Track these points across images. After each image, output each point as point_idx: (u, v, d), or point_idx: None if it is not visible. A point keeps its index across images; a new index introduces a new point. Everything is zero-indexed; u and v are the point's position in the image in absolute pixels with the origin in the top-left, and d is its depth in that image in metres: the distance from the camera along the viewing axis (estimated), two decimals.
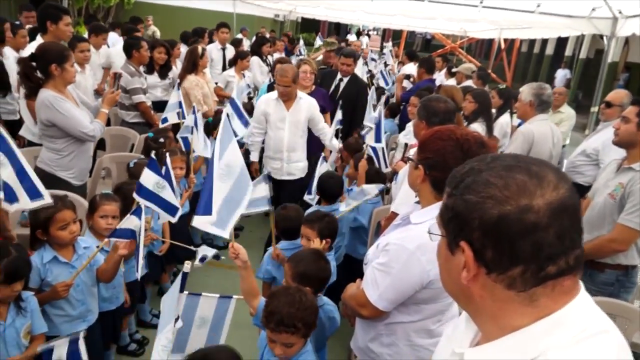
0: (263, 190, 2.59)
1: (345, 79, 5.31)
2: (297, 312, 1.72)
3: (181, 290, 1.37)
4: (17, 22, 5.48)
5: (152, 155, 2.58)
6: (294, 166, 4.18)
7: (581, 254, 0.79)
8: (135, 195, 2.35)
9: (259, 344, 2.03)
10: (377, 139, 3.87)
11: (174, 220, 2.58)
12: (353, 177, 3.78)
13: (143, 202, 2.31)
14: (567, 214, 0.77)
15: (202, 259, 2.51)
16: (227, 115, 4.18)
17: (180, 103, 3.97)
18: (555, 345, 0.77)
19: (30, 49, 3.53)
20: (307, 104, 4.12)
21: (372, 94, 6.03)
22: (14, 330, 1.93)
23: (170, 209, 2.54)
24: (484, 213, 0.78)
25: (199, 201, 1.85)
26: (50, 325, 2.19)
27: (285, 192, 4.08)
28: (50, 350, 1.88)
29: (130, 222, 2.20)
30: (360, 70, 7.27)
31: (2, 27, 4.09)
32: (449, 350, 0.99)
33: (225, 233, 1.89)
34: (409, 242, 1.58)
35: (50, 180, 3.03)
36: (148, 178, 2.43)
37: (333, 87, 5.29)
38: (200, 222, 1.81)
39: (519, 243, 0.76)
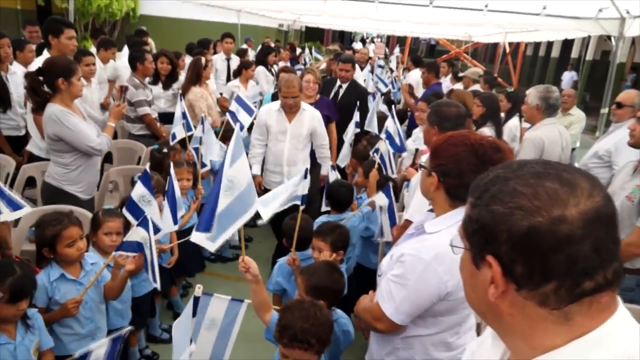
0: (302, 186, 2.45)
1: (345, 85, 5.19)
2: (312, 327, 1.67)
3: (194, 315, 1.33)
4: (23, 38, 5.54)
5: (147, 168, 2.55)
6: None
7: (620, 268, 0.73)
8: (124, 209, 2.32)
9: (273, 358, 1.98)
10: (399, 148, 4.01)
11: (158, 237, 2.49)
12: (362, 185, 3.73)
13: (128, 217, 2.28)
14: (602, 224, 0.71)
15: None
16: (234, 112, 4.23)
17: (184, 114, 3.97)
18: None
19: (37, 63, 3.53)
20: (310, 116, 3.92)
21: (377, 101, 6.00)
22: (25, 349, 1.89)
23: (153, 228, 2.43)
24: (513, 225, 0.72)
25: (200, 217, 1.80)
26: (59, 345, 2.15)
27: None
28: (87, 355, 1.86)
29: (136, 234, 2.16)
30: (365, 78, 7.23)
31: None
32: None
33: (213, 246, 1.80)
34: (424, 253, 1.53)
35: (59, 195, 3.04)
36: (137, 190, 2.42)
37: (332, 94, 5.18)
38: (198, 238, 1.75)
39: (551, 257, 0.70)
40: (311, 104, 4.25)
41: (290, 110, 3.82)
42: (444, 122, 2.51)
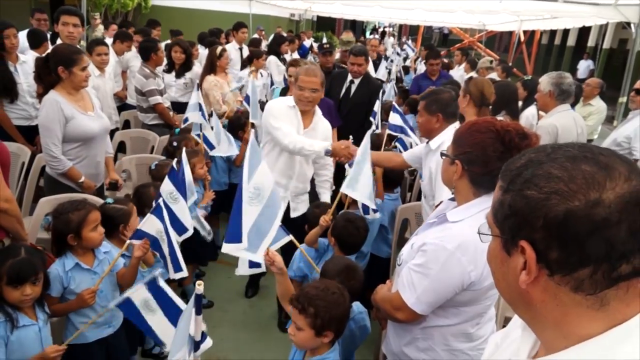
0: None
1: (357, 81, 4.56)
2: (316, 298, 1.68)
3: (197, 313, 1.29)
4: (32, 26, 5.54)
5: (174, 163, 2.54)
6: (300, 199, 3.26)
7: None
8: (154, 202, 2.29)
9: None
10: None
11: (179, 239, 2.45)
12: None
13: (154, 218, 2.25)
14: (639, 208, 0.69)
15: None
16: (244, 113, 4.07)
17: (199, 104, 3.94)
18: (630, 357, 0.68)
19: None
20: (323, 128, 3.16)
21: (390, 90, 5.86)
22: (47, 330, 1.92)
23: (178, 227, 2.42)
24: (549, 210, 0.69)
25: (227, 228, 1.83)
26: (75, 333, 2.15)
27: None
28: (128, 301, 1.85)
29: (150, 222, 2.15)
30: (381, 72, 6.98)
31: (1, 33, 4.01)
32: None
33: (259, 257, 1.90)
34: (448, 242, 1.49)
35: (57, 184, 2.99)
36: (165, 186, 2.41)
37: (343, 90, 4.55)
38: (230, 249, 1.80)
39: (588, 241, 0.68)
40: None
41: (305, 109, 3.04)
42: (446, 108, 2.54)
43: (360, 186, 2.59)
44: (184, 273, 2.25)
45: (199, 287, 1.27)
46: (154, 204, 2.20)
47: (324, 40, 11.65)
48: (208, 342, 1.37)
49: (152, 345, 2.99)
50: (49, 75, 2.90)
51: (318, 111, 3.12)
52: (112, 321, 2.29)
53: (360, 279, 2.10)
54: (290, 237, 2.20)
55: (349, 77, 4.54)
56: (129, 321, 2.46)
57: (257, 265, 2.09)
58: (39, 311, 1.93)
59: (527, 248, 0.72)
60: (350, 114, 4.44)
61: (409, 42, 10.61)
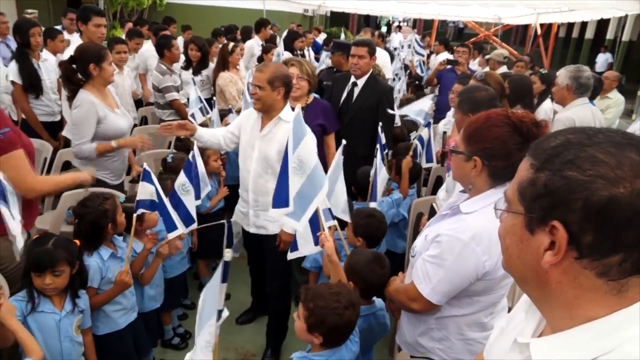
0: (323, 201, 2.27)
1: (361, 83, 3.73)
2: (319, 297, 1.70)
3: (223, 281, 1.32)
4: (58, 27, 5.66)
5: (190, 157, 2.63)
6: (265, 216, 2.71)
7: None
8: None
9: None
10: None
11: (185, 230, 2.55)
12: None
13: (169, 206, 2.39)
14: None
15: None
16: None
17: (199, 98, 4.02)
18: (635, 337, 0.70)
19: (69, 52, 3.60)
20: (285, 132, 2.50)
21: (402, 84, 5.65)
22: (69, 322, 1.97)
23: (187, 219, 2.52)
24: (592, 194, 0.69)
25: (274, 195, 1.95)
26: (110, 322, 2.26)
27: (261, 250, 2.87)
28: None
29: (144, 189, 2.24)
30: (393, 67, 6.66)
31: (26, 31, 4.14)
32: (507, 343, 0.93)
33: (300, 225, 1.96)
34: (462, 233, 1.51)
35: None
36: (180, 178, 2.52)
37: (345, 94, 3.79)
38: (277, 213, 1.91)
39: (626, 230, 0.68)
40: (302, 108, 2.98)
41: (254, 108, 2.66)
42: (479, 108, 2.43)
43: (334, 200, 2.45)
44: (180, 231, 2.39)
45: (227, 254, 1.31)
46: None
47: (342, 37, 11.49)
48: (225, 312, 1.41)
49: (172, 336, 3.06)
50: (76, 76, 2.98)
51: (285, 114, 2.60)
52: (135, 306, 2.40)
53: (389, 266, 2.10)
54: (334, 223, 2.28)
55: (352, 79, 3.78)
56: (150, 315, 2.59)
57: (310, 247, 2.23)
58: (68, 302, 1.98)
59: (560, 229, 0.72)
60: (353, 121, 3.67)
61: (417, 37, 10.25)
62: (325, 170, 2.94)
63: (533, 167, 0.78)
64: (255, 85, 2.56)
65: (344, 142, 2.53)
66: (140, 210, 2.31)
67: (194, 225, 2.61)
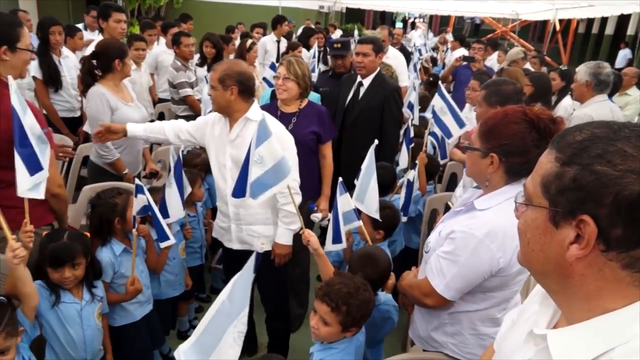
0: (347, 202, 2.28)
1: (367, 83, 3.55)
2: (349, 297, 1.69)
3: (255, 271, 1.34)
4: (79, 25, 5.77)
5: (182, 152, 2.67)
6: (249, 231, 2.44)
7: None
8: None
9: None
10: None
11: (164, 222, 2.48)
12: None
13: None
14: None
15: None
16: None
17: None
18: None
19: (90, 48, 3.67)
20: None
21: (416, 85, 5.58)
22: (91, 311, 2.03)
23: (163, 210, 2.47)
24: (623, 189, 0.70)
25: (235, 185, 2.01)
26: (127, 315, 2.32)
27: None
28: None
29: (137, 202, 2.20)
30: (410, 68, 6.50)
31: (47, 29, 4.21)
32: (520, 334, 0.93)
33: (254, 200, 1.97)
34: (476, 229, 1.52)
35: (102, 173, 3.14)
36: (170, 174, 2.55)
37: (351, 94, 3.60)
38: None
39: None
40: (292, 113, 2.91)
41: (214, 110, 2.45)
42: (507, 101, 2.37)
43: (367, 200, 2.45)
44: (171, 241, 2.36)
45: (262, 245, 1.33)
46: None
47: (356, 33, 11.36)
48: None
49: (187, 328, 3.11)
50: (94, 71, 3.05)
51: (253, 114, 2.36)
52: (150, 298, 2.46)
53: (387, 261, 2.11)
54: (360, 223, 2.30)
55: (358, 79, 3.59)
56: (164, 304, 2.64)
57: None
58: (86, 292, 2.04)
59: (591, 223, 0.72)
60: (357, 122, 3.52)
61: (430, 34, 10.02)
62: (319, 183, 3.03)
63: (559, 160, 0.78)
64: (210, 86, 2.38)
65: (376, 141, 2.47)
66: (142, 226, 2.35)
67: (170, 221, 2.54)
